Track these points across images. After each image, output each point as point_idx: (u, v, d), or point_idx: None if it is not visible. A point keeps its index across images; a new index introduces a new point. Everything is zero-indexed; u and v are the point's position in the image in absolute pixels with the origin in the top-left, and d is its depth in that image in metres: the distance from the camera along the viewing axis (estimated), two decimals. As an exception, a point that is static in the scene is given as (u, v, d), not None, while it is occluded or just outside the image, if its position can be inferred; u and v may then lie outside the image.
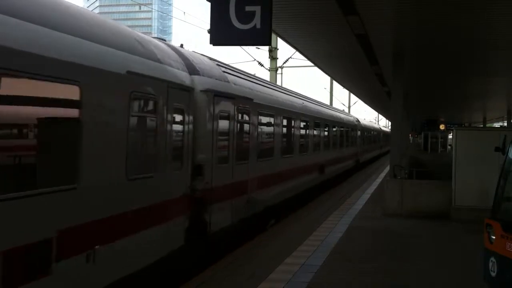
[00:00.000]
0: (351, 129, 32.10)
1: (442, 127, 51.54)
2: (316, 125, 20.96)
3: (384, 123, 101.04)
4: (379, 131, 56.86)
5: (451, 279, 9.01)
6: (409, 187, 15.61)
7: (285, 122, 16.05)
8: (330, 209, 16.60)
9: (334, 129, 25.55)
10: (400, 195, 15.44)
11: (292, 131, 17.14)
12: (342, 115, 30.35)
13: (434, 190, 15.43)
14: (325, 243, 11.38)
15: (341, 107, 75.44)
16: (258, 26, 7.09)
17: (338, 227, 13.44)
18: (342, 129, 28.19)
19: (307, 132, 19.46)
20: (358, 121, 37.04)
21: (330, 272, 9.08)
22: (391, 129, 19.26)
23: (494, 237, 7.12)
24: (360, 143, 36.69)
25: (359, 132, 35.96)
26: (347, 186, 24.66)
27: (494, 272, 7.04)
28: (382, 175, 30.37)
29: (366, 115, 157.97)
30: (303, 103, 19.36)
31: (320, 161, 21.42)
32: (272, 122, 14.62)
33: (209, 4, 7.43)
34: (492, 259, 7.08)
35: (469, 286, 8.56)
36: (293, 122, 17.12)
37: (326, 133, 23.50)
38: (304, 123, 18.82)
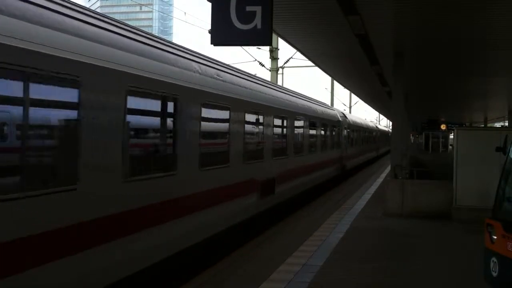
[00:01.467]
0: (333, 126, 24.91)
1: (443, 127, 51.52)
2: (260, 118, 13.72)
3: (385, 123, 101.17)
4: (374, 130, 49.74)
5: (452, 279, 9.01)
6: (410, 187, 15.60)
7: (170, 108, 8.76)
8: (330, 210, 16.59)
9: (299, 125, 17.94)
10: (400, 195, 15.43)
11: (192, 126, 9.51)
12: (315, 106, 21.64)
13: (435, 190, 15.42)
14: (326, 243, 11.38)
15: (341, 107, 75.31)
16: (259, 26, 7.09)
17: (338, 227, 13.44)
18: (315, 125, 20.64)
19: (237, 129, 11.82)
20: (344, 116, 29.45)
21: (331, 272, 9.07)
22: (392, 129, 19.24)
23: (495, 237, 7.11)
24: (347, 144, 29.39)
25: (345, 131, 28.70)
26: (347, 187, 24.63)
27: (495, 272, 7.03)
28: (383, 175, 30.36)
29: (367, 115, 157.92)
30: (232, 79, 11.98)
31: (266, 174, 14.03)
32: (121, 107, 7.29)
33: (209, 4, 7.43)
34: (493, 259, 7.08)
35: (470, 286, 8.55)
36: (197, 109, 9.69)
37: (282, 130, 16.01)
38: (229, 113, 11.30)
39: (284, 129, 16.25)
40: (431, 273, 9.34)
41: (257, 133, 13.59)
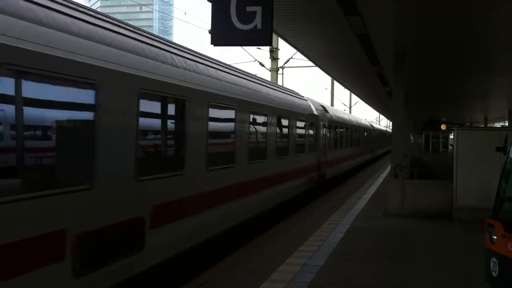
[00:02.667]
0: (303, 122, 18.19)
1: (443, 127, 51.52)
2: (91, 97, 6.56)
3: (385, 123, 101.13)
4: (368, 129, 43.20)
5: (452, 279, 9.00)
6: (410, 187, 15.60)
7: None
8: (331, 210, 16.59)
9: (223, 117, 11.18)
10: (401, 195, 15.43)
11: None
12: (266, 90, 14.40)
13: (435, 190, 15.42)
14: (326, 243, 11.37)
15: (342, 107, 75.04)
16: (259, 26, 7.09)
17: (339, 227, 13.43)
18: (265, 119, 13.83)
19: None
20: (323, 109, 22.69)
21: (331, 272, 9.07)
22: (392, 129, 19.24)
23: (495, 237, 7.11)
24: (328, 146, 22.95)
25: (324, 129, 22.10)
26: (347, 187, 24.62)
27: (495, 272, 7.03)
28: (383, 175, 30.36)
29: (367, 115, 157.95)
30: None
31: (113, 214, 6.98)
32: None
33: (210, 4, 7.44)
34: (494, 259, 7.07)
35: (470, 286, 8.54)
36: None
37: (174, 126, 9.20)
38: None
39: (179, 124, 8.97)
40: (431, 273, 9.34)
41: (76, 129, 6.71)
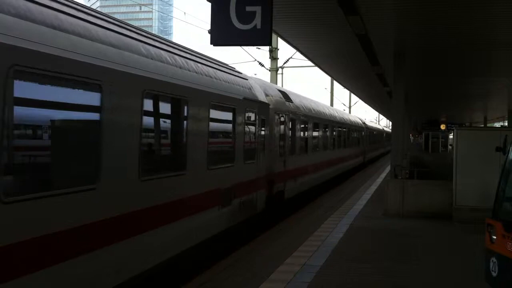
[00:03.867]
0: (233, 113, 11.41)
1: (443, 127, 51.52)
2: None
3: (385, 123, 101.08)
4: (358, 126, 36.23)
5: (451, 279, 9.00)
6: (410, 187, 15.60)
7: None
8: (331, 210, 16.59)
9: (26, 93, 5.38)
10: (401, 195, 15.43)
11: None
12: (148, 49, 7.94)
13: (435, 190, 15.42)
14: (326, 243, 11.37)
15: (341, 107, 74.72)
16: (259, 26, 7.10)
17: (339, 227, 13.43)
18: (126, 101, 7.06)
19: None
20: (282, 97, 16.50)
21: (331, 272, 9.07)
22: (392, 129, 19.23)
23: (495, 237, 7.11)
24: (291, 150, 17.02)
25: (283, 125, 16.01)
26: (347, 187, 24.62)
27: (495, 272, 7.03)
28: (383, 175, 30.35)
29: (367, 115, 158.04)
30: None
31: None
32: None
33: (209, 4, 7.44)
34: (493, 259, 7.08)
35: (469, 286, 8.54)
36: None
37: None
38: None
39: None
40: (431, 273, 9.34)
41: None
